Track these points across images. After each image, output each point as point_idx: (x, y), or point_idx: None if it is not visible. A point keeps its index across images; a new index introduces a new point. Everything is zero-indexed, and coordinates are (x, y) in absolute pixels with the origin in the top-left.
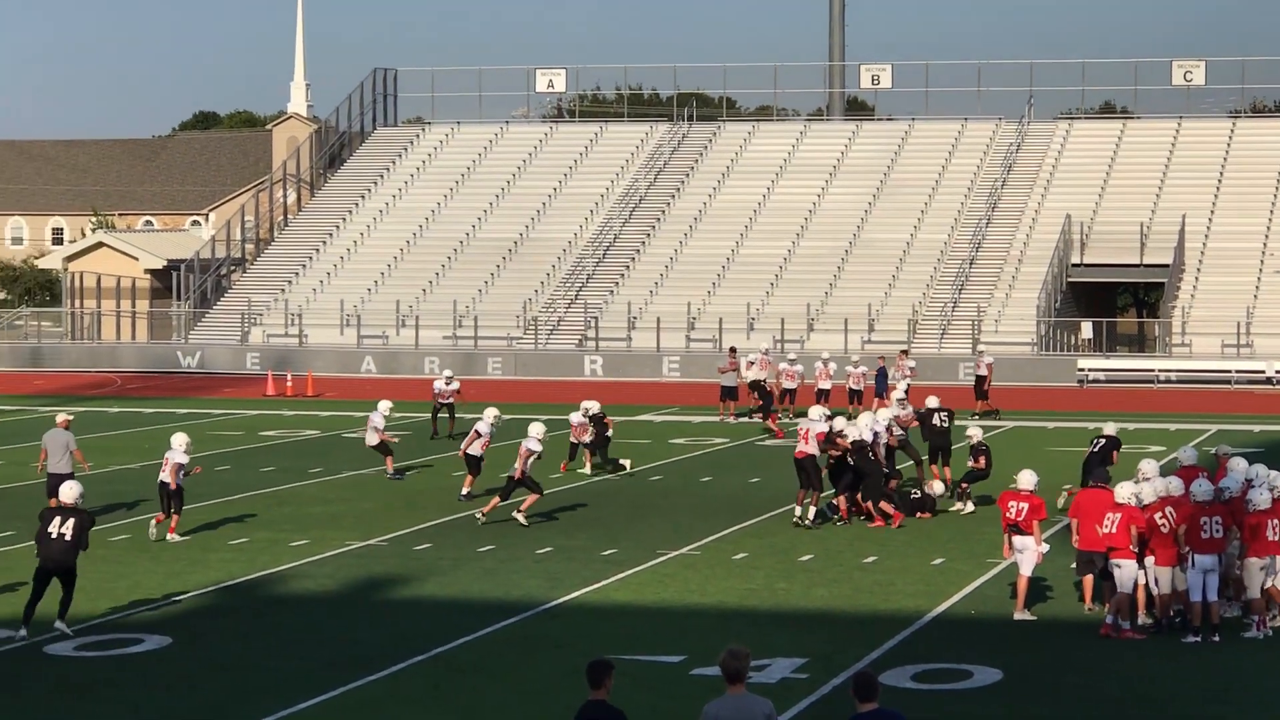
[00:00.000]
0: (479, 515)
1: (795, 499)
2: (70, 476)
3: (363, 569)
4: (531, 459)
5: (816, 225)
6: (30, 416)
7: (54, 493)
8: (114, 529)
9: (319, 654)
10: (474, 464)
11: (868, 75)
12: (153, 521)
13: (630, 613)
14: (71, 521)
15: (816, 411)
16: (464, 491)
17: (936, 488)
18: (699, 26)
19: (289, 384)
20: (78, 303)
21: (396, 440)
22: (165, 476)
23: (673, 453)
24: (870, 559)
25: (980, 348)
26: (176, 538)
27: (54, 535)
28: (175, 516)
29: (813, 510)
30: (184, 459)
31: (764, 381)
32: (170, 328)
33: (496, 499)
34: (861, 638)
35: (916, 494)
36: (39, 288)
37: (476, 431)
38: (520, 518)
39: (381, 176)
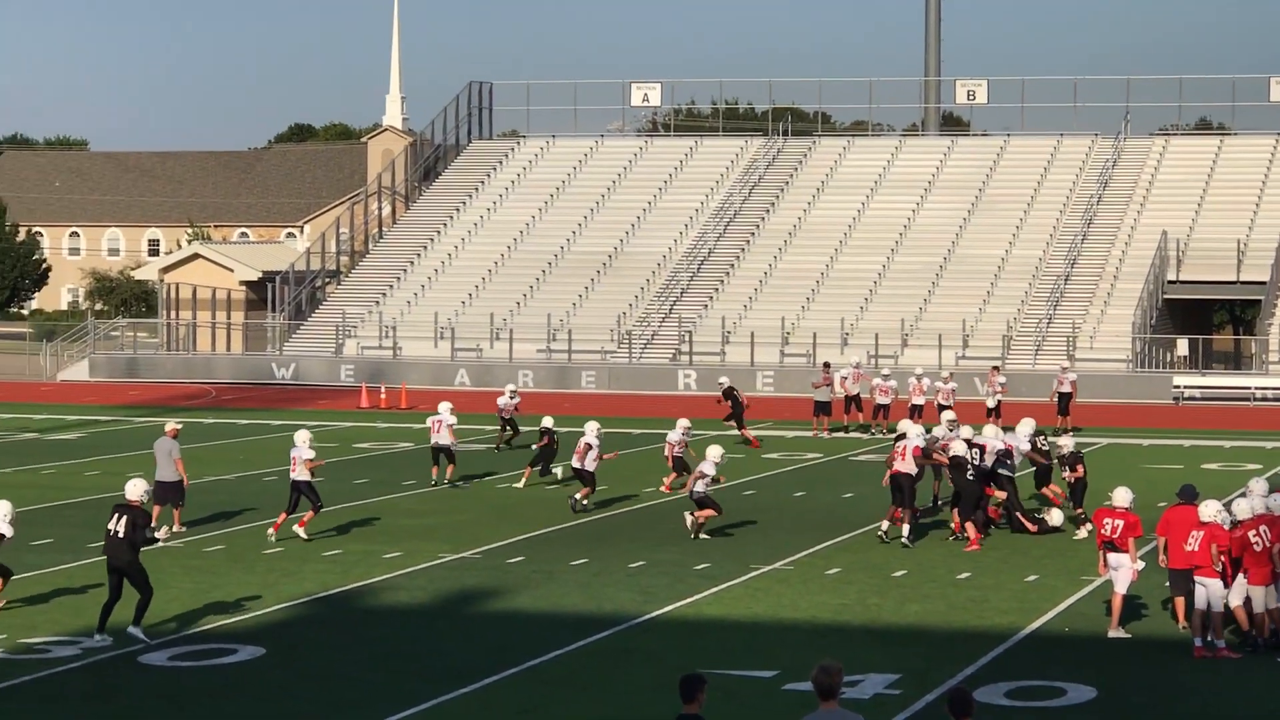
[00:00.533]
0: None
1: (886, 514)
2: (177, 485)
3: (455, 581)
4: (703, 482)
5: (911, 240)
6: (126, 427)
7: (162, 500)
8: (209, 539)
9: (411, 666)
10: (587, 477)
11: (963, 90)
12: (270, 528)
13: (722, 627)
14: (125, 519)
15: (914, 429)
16: (580, 499)
17: (1055, 517)
18: (795, 41)
19: (383, 396)
20: (173, 314)
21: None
22: (298, 474)
23: (766, 467)
24: (964, 575)
25: (1063, 364)
26: (303, 535)
27: (111, 532)
28: (309, 513)
29: (906, 528)
30: (310, 453)
31: (738, 394)
32: (265, 339)
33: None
34: (955, 654)
35: (1041, 518)
36: (135, 299)
37: (587, 445)
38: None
39: (476, 189)
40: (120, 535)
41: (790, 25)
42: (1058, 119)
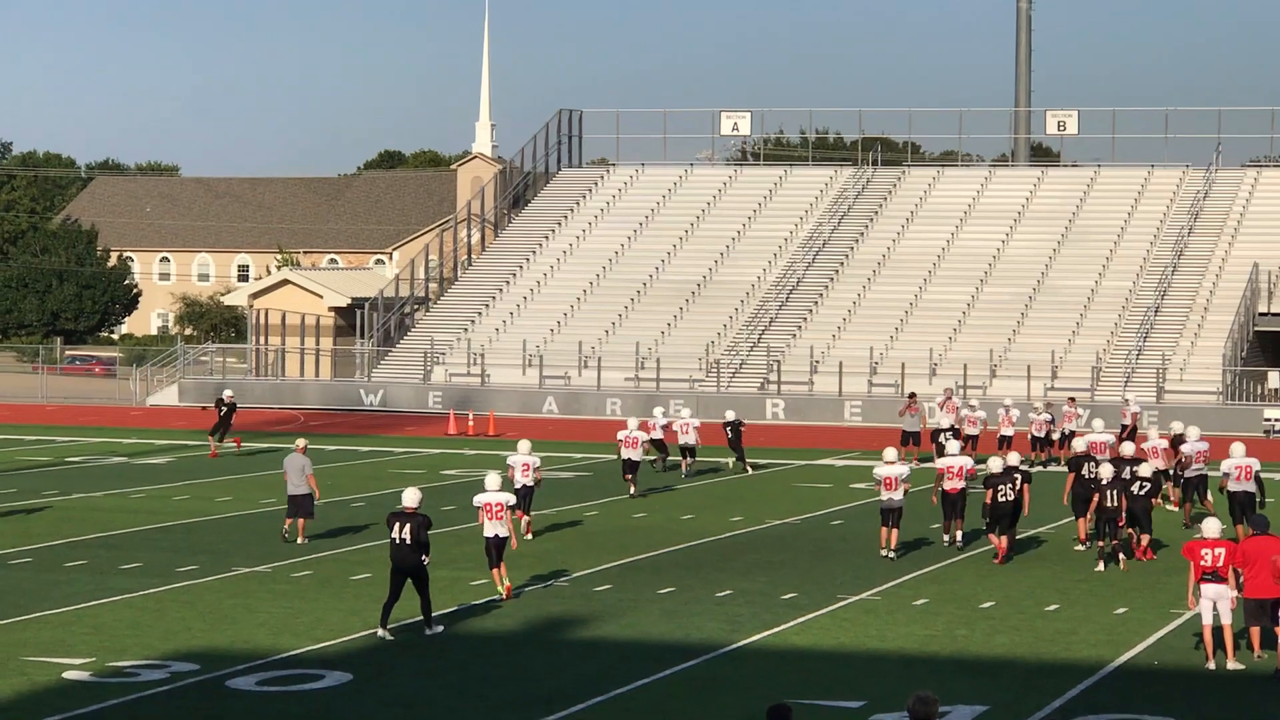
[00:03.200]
0: None
1: (944, 528)
2: (308, 498)
3: (542, 609)
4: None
5: (1000, 271)
6: (211, 448)
7: (294, 513)
8: (297, 565)
9: (498, 693)
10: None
11: (1054, 121)
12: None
13: (810, 657)
14: (409, 526)
15: (954, 445)
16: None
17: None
18: (885, 71)
19: (470, 423)
20: (262, 339)
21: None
22: (523, 479)
23: (854, 497)
24: (1053, 607)
25: (1127, 395)
26: (529, 538)
27: (397, 540)
28: (527, 517)
29: (959, 535)
30: (535, 459)
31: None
32: (353, 365)
33: None
34: (1043, 686)
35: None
36: (225, 324)
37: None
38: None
39: (565, 217)
40: (407, 541)
41: (881, 55)
42: (1148, 150)
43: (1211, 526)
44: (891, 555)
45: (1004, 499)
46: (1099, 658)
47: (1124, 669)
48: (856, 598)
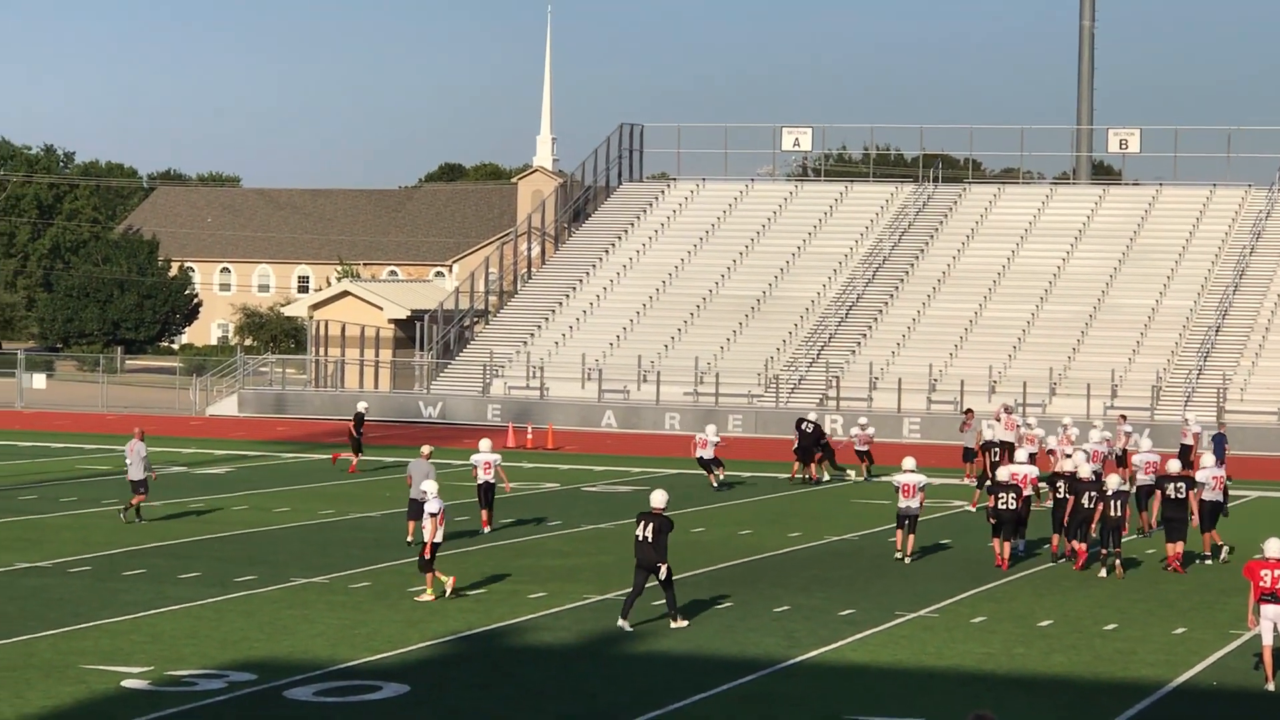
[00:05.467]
0: None
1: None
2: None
3: (600, 623)
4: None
5: (1061, 289)
6: (274, 462)
7: (415, 516)
8: (355, 576)
9: (555, 707)
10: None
11: (1115, 139)
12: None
13: (867, 674)
14: (651, 525)
15: (1023, 454)
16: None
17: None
18: (946, 88)
19: (529, 436)
20: (322, 351)
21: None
22: (484, 476)
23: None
24: (1111, 626)
25: (1187, 415)
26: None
27: (640, 538)
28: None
29: (1021, 544)
30: (496, 457)
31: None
32: (413, 377)
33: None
34: (1101, 706)
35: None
36: (284, 335)
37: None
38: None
39: (626, 231)
40: (650, 540)
41: (942, 72)
42: (1210, 169)
43: (1273, 546)
44: (906, 559)
45: (1005, 507)
46: (1157, 678)
47: (1183, 689)
48: (914, 615)
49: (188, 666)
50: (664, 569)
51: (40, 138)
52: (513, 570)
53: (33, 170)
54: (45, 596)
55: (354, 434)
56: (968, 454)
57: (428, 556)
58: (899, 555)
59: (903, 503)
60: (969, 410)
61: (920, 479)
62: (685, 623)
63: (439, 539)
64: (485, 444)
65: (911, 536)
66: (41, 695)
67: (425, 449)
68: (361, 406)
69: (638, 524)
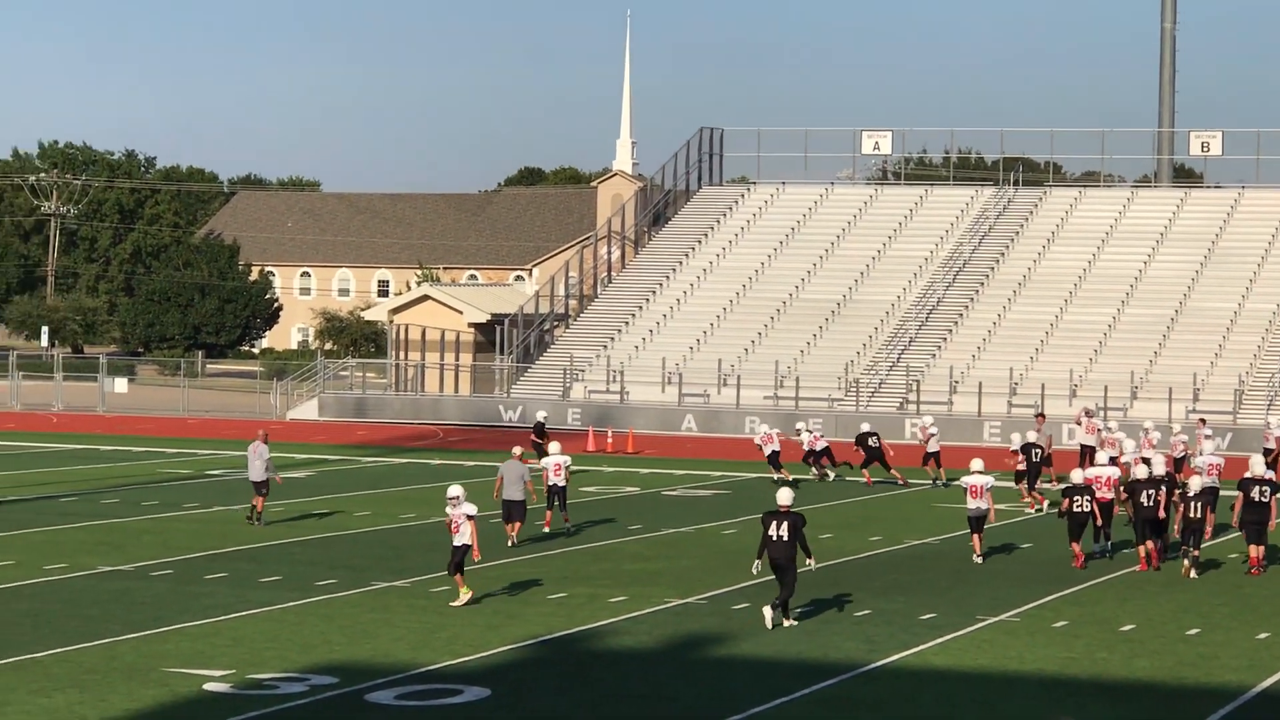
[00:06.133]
0: None
1: (1093, 536)
2: (523, 503)
3: (680, 627)
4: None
5: (1142, 292)
6: (353, 466)
7: (508, 518)
8: (436, 580)
9: (636, 710)
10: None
11: (1197, 142)
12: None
13: (948, 678)
14: (785, 523)
15: (1104, 456)
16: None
17: None
18: (1026, 91)
19: (609, 440)
20: (402, 355)
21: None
22: (555, 479)
23: (998, 517)
24: (1194, 631)
25: (1270, 419)
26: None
27: (774, 537)
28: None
29: (1109, 545)
30: (566, 459)
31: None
32: (493, 381)
33: None
34: (1183, 711)
35: None
36: (364, 339)
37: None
38: None
39: (705, 235)
40: (784, 537)
41: (1022, 74)
42: None
43: None
44: (979, 559)
45: (1079, 509)
46: (1240, 683)
47: (1266, 694)
48: (995, 619)
49: (269, 670)
50: (811, 563)
51: (122, 143)
52: (593, 574)
53: (114, 175)
54: (127, 600)
55: (536, 441)
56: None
57: (459, 560)
58: (976, 558)
59: (971, 504)
60: (1040, 414)
61: (988, 480)
62: (794, 622)
63: (464, 542)
64: (555, 446)
65: (978, 536)
66: (124, 698)
67: (517, 450)
68: (541, 415)
69: (767, 523)
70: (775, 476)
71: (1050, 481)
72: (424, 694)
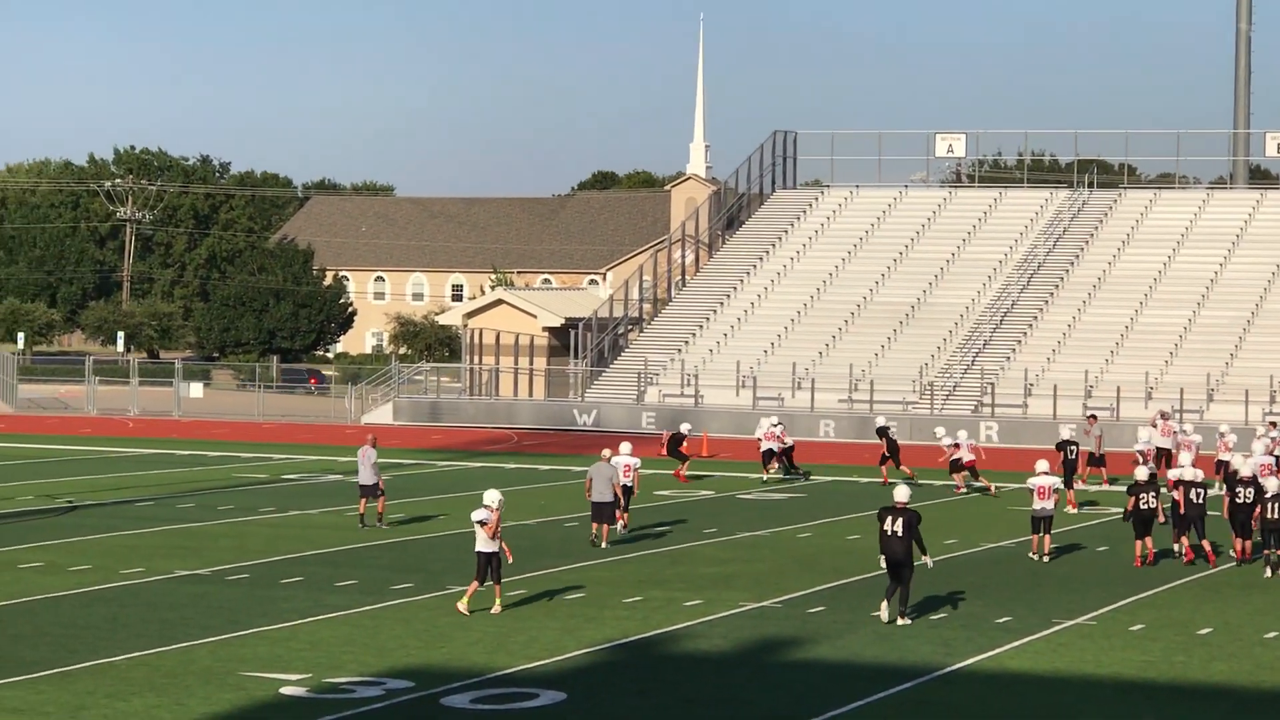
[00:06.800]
0: None
1: (1173, 538)
2: (612, 504)
3: (756, 630)
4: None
5: (1217, 294)
6: (428, 470)
7: (599, 518)
8: (511, 584)
9: (712, 714)
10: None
11: (1273, 142)
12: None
13: (1024, 682)
14: (901, 520)
15: (1186, 458)
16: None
17: None
18: (1100, 93)
19: (684, 444)
20: (476, 359)
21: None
22: (624, 479)
23: (1068, 521)
24: (1272, 634)
25: None
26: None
27: (889, 533)
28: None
29: (1208, 544)
30: (636, 460)
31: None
32: (567, 385)
33: None
34: (1263, 715)
35: None
36: (439, 343)
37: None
38: None
39: (779, 238)
40: (899, 534)
41: (1096, 76)
42: None
43: None
44: (1045, 559)
45: (1146, 506)
46: None
47: None
48: (1072, 622)
49: (346, 674)
50: (927, 560)
51: (197, 148)
52: (668, 578)
53: (189, 181)
54: (204, 604)
55: (676, 451)
56: (1093, 459)
57: (497, 566)
58: (1033, 556)
59: (1037, 504)
60: (1092, 415)
61: (1054, 481)
62: (909, 620)
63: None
64: (626, 447)
65: (1047, 537)
66: (201, 702)
67: (605, 452)
68: (684, 428)
69: (882, 519)
70: (765, 476)
71: (1101, 482)
72: (500, 698)
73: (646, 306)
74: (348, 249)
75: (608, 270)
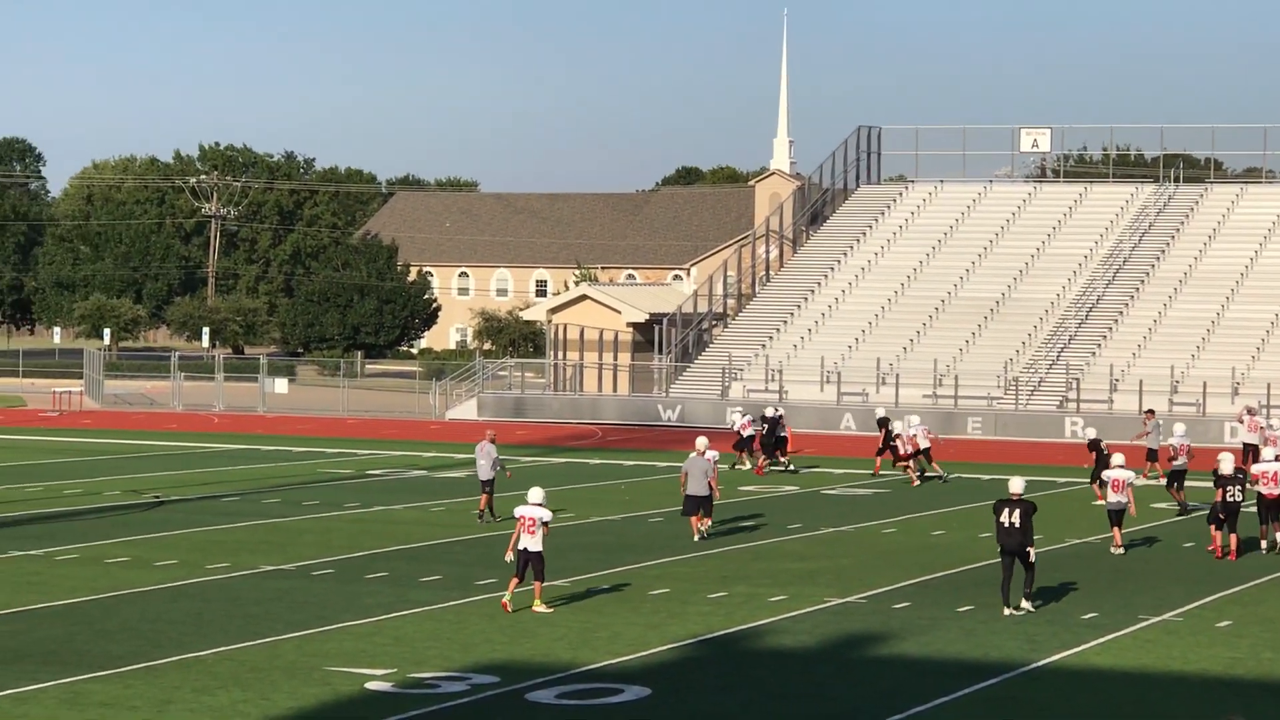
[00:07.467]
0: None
1: (1260, 534)
2: (708, 497)
3: (840, 626)
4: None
5: None
6: (512, 466)
7: (691, 511)
8: (595, 579)
9: (797, 709)
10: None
11: None
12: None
13: (1110, 678)
14: (1018, 511)
15: (1270, 453)
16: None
17: None
18: (1186, 87)
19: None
20: (560, 354)
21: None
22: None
23: (1156, 516)
24: None
25: None
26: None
27: (1006, 524)
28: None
29: (1278, 538)
30: (714, 454)
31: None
32: (651, 381)
33: None
34: None
35: None
36: (523, 339)
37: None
38: None
39: (864, 234)
40: (1016, 525)
41: (1182, 71)
42: None
43: None
44: (1121, 551)
45: (1233, 499)
46: None
47: None
48: (1158, 619)
49: (431, 669)
50: (1031, 553)
51: (281, 145)
52: (752, 573)
53: (274, 177)
54: (289, 599)
55: (762, 441)
56: (1150, 454)
57: (538, 565)
58: (1115, 549)
59: (1112, 497)
60: (1150, 410)
61: (1129, 475)
62: (1030, 606)
63: (535, 546)
64: (702, 442)
65: (1117, 529)
66: (287, 696)
67: (702, 444)
68: (770, 411)
69: (998, 511)
70: (738, 464)
71: (1158, 478)
72: (585, 693)
73: (731, 302)
74: (431, 245)
75: (692, 266)
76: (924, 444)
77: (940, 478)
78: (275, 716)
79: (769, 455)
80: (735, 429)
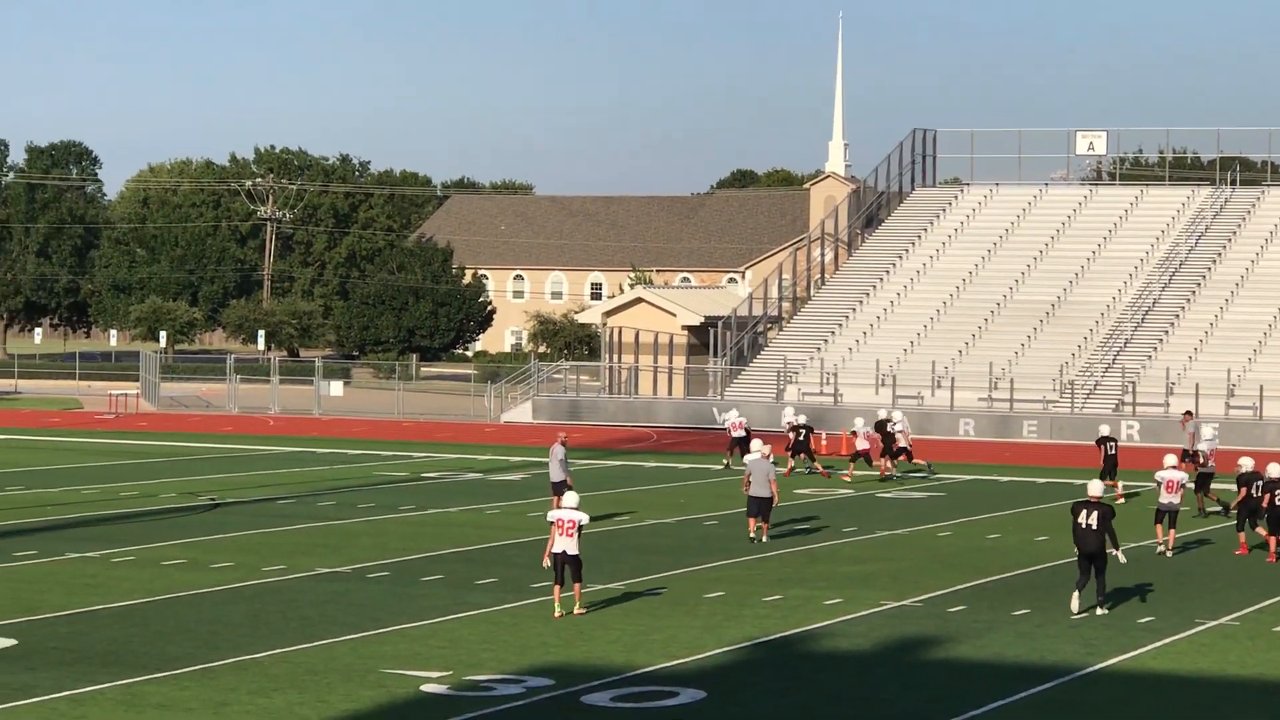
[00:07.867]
0: None
1: None
2: (769, 500)
3: (896, 629)
4: None
5: None
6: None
7: (755, 511)
8: (651, 582)
9: (853, 712)
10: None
11: None
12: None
13: (1168, 683)
14: (1096, 513)
15: None
16: None
17: None
18: (1242, 89)
19: (823, 443)
20: (615, 357)
21: None
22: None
23: (1210, 521)
24: None
25: None
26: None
27: (1084, 526)
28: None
29: None
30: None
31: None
32: (706, 384)
33: None
34: None
35: None
36: (578, 342)
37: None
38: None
39: (919, 237)
40: (1093, 527)
41: (1239, 73)
42: None
43: None
44: (1168, 553)
45: (1256, 496)
46: None
47: None
48: (1215, 623)
49: (486, 671)
50: (1119, 554)
51: (336, 148)
52: (808, 576)
53: (329, 180)
54: (345, 601)
55: (802, 444)
56: (1186, 455)
57: (576, 567)
58: (1160, 549)
59: (1164, 498)
60: (1187, 412)
61: (1181, 476)
62: (1106, 609)
63: (572, 549)
64: (757, 444)
65: (1172, 531)
66: (342, 698)
67: (766, 448)
68: (801, 419)
69: (1076, 512)
70: (726, 461)
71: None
72: (640, 696)
73: (786, 305)
74: (486, 247)
75: (747, 269)
76: (863, 445)
77: (921, 473)
78: (331, 718)
79: (893, 458)
80: (725, 427)
